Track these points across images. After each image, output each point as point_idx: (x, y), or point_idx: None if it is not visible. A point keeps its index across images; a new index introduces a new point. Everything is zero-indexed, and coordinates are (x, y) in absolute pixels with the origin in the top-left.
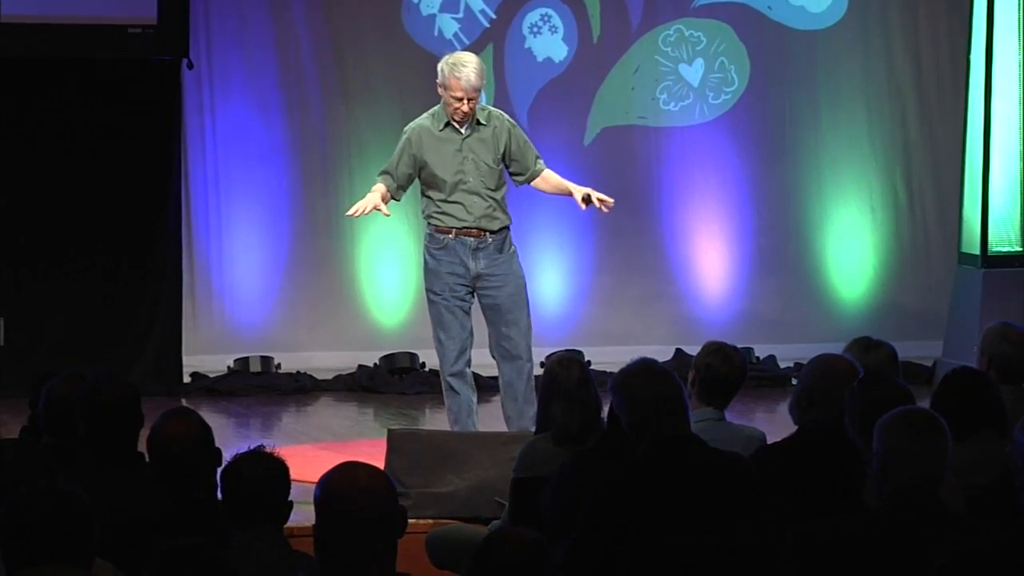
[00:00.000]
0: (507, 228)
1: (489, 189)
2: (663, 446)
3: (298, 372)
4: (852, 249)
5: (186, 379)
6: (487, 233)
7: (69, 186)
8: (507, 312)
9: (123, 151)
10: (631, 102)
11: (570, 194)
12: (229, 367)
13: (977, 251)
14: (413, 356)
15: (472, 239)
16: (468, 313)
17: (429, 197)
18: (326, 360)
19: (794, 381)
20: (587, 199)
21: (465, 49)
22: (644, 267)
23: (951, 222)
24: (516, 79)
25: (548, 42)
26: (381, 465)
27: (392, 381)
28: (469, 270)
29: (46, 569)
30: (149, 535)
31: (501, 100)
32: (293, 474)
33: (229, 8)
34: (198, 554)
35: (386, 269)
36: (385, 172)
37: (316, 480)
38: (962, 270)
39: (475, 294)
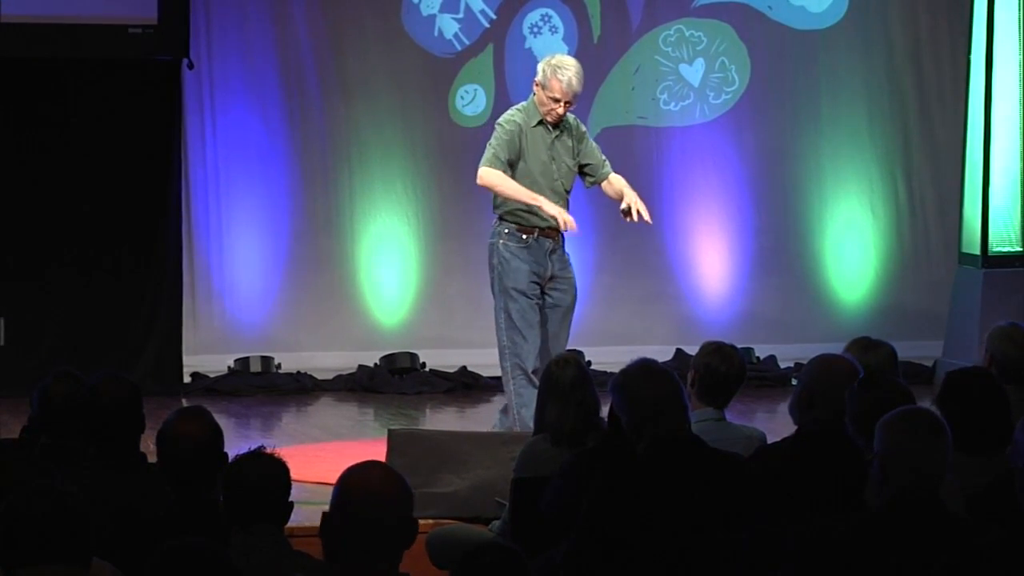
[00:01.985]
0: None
1: (566, 192)
2: (663, 446)
3: (298, 372)
4: (852, 249)
5: (186, 379)
6: (560, 236)
7: (69, 186)
8: (564, 317)
9: (123, 151)
10: (631, 102)
11: (622, 199)
12: (229, 367)
13: (977, 251)
14: (413, 356)
15: (550, 241)
16: (542, 314)
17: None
18: (326, 360)
19: (794, 381)
20: (627, 211)
21: (464, 49)
22: (644, 267)
23: (951, 222)
24: (516, 79)
25: (548, 42)
26: None
27: (392, 381)
28: (546, 271)
29: (43, 569)
30: (150, 535)
31: (501, 100)
32: (293, 474)
33: (230, 8)
34: (199, 554)
35: (387, 269)
36: (496, 160)
37: (317, 480)
38: (962, 270)
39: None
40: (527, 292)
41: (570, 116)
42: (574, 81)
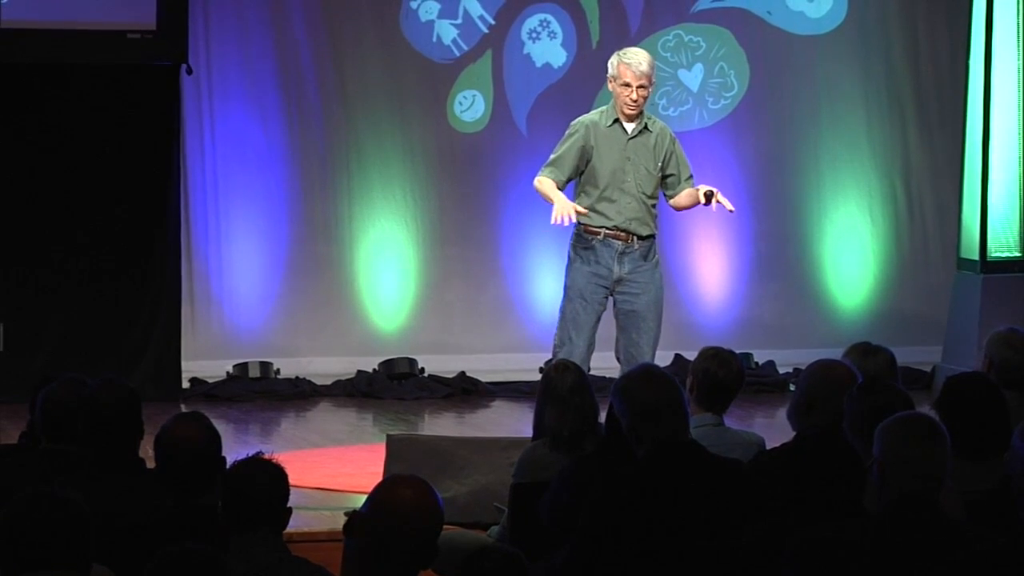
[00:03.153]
0: (654, 237)
1: (644, 195)
2: (662, 451)
3: (297, 377)
4: (851, 254)
5: (185, 384)
6: (635, 238)
7: (68, 191)
8: (641, 320)
9: (122, 156)
10: None
11: (699, 201)
12: (228, 372)
13: (976, 256)
14: (412, 361)
15: (620, 242)
16: (599, 318)
17: (584, 193)
18: (325, 365)
19: (793, 387)
20: (709, 196)
21: (463, 55)
22: None
23: (950, 227)
24: (515, 85)
25: (547, 48)
26: (380, 470)
27: (391, 386)
28: (612, 273)
29: (43, 575)
30: (148, 540)
31: (500, 106)
32: (292, 480)
33: (228, 13)
34: (198, 559)
35: (385, 274)
36: (550, 165)
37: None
38: (961, 275)
39: (612, 298)
40: (583, 293)
41: (659, 123)
42: (643, 64)
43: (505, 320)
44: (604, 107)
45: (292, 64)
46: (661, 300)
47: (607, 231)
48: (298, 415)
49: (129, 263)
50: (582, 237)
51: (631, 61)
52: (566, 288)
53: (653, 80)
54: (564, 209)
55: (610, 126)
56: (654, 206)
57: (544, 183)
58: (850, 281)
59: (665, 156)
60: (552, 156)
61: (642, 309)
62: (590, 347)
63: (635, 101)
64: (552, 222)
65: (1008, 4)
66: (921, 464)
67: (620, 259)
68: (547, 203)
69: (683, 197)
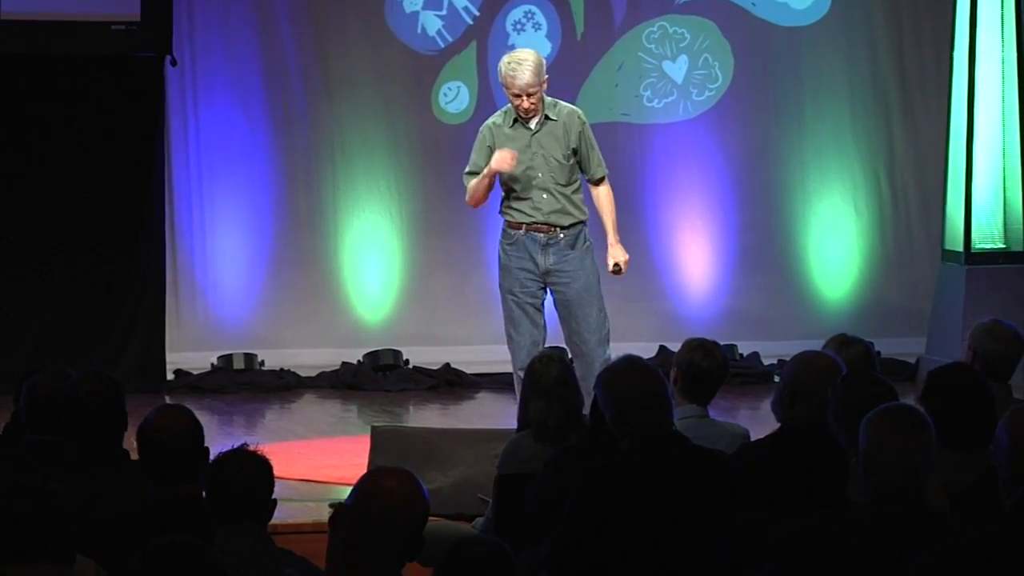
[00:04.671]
0: (582, 223)
1: (560, 184)
2: (646, 443)
3: (282, 369)
4: (836, 246)
5: (169, 376)
6: (558, 229)
7: (52, 183)
8: (576, 308)
9: (106, 148)
10: (614, 99)
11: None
12: (213, 364)
13: (960, 248)
14: (397, 353)
15: (542, 235)
16: (540, 309)
17: (504, 192)
18: (310, 357)
19: (777, 378)
20: (617, 270)
21: (447, 46)
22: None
23: (935, 219)
24: None
25: (532, 39)
26: (364, 462)
27: (376, 378)
28: (539, 266)
29: (28, 568)
30: (133, 532)
31: (485, 97)
32: (277, 471)
33: (213, 5)
34: (183, 551)
35: (370, 266)
36: (469, 172)
37: (300, 478)
38: (945, 267)
39: (547, 290)
40: (512, 289)
41: (568, 107)
42: (527, 75)
43: (490, 311)
44: (506, 107)
45: (277, 55)
46: (595, 286)
47: (528, 226)
48: (283, 407)
49: (113, 254)
50: (507, 233)
51: (516, 74)
52: (499, 287)
53: (543, 79)
54: (498, 160)
55: (512, 126)
56: (575, 191)
57: (469, 187)
58: (834, 272)
59: (576, 142)
60: (467, 167)
61: (573, 298)
62: (535, 342)
63: (527, 110)
64: (497, 168)
65: None
66: (905, 455)
67: (545, 251)
68: (477, 199)
69: (596, 204)
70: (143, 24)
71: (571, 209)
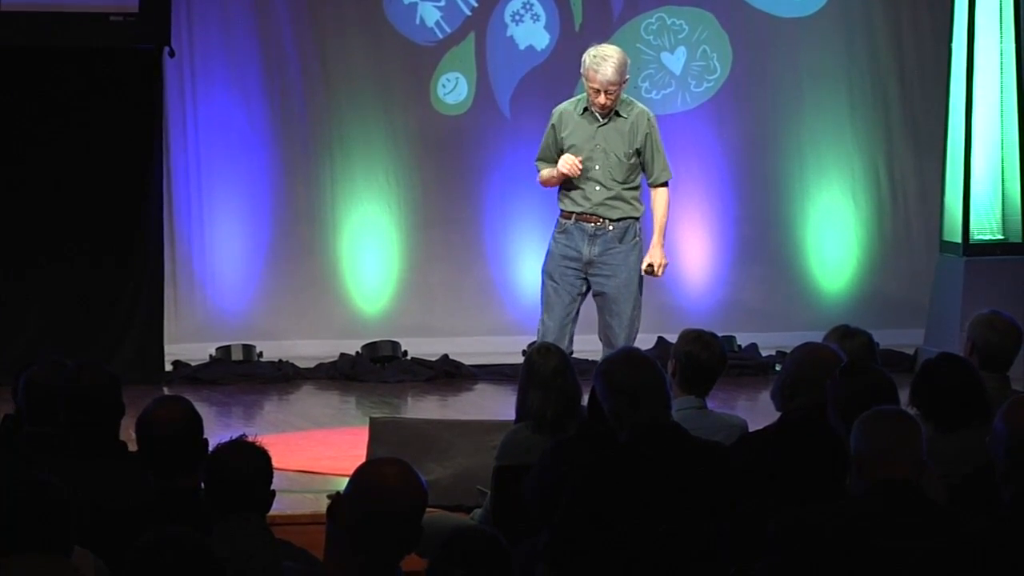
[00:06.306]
0: (633, 219)
1: (615, 180)
2: (644, 434)
3: (280, 360)
4: (834, 237)
5: (168, 367)
6: (606, 220)
7: (49, 174)
8: (613, 302)
9: (104, 139)
10: None
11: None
12: (211, 355)
13: (959, 239)
14: (395, 344)
15: (591, 225)
16: (575, 298)
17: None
18: (308, 348)
19: (777, 367)
20: (650, 270)
21: (445, 37)
22: None
23: (933, 210)
24: (498, 67)
25: (530, 30)
26: (363, 453)
27: (374, 369)
28: (582, 255)
29: (26, 558)
30: (131, 523)
31: (483, 88)
32: (275, 463)
33: None
34: (182, 542)
35: (368, 257)
36: (540, 159)
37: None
38: (944, 258)
39: (588, 283)
40: (552, 275)
41: (641, 107)
42: (610, 72)
43: (488, 303)
44: (581, 94)
45: (275, 47)
46: (635, 282)
47: (577, 215)
48: (281, 398)
49: (111, 246)
50: (559, 222)
51: (599, 69)
52: (541, 271)
53: (625, 78)
54: (564, 164)
55: (582, 114)
56: (631, 189)
57: (541, 173)
58: (833, 264)
59: (641, 143)
60: (540, 149)
61: (612, 292)
62: (563, 328)
63: (603, 105)
64: (567, 172)
65: None
66: (895, 459)
67: (592, 241)
68: (535, 187)
69: (654, 207)
70: (141, 15)
71: (621, 204)
